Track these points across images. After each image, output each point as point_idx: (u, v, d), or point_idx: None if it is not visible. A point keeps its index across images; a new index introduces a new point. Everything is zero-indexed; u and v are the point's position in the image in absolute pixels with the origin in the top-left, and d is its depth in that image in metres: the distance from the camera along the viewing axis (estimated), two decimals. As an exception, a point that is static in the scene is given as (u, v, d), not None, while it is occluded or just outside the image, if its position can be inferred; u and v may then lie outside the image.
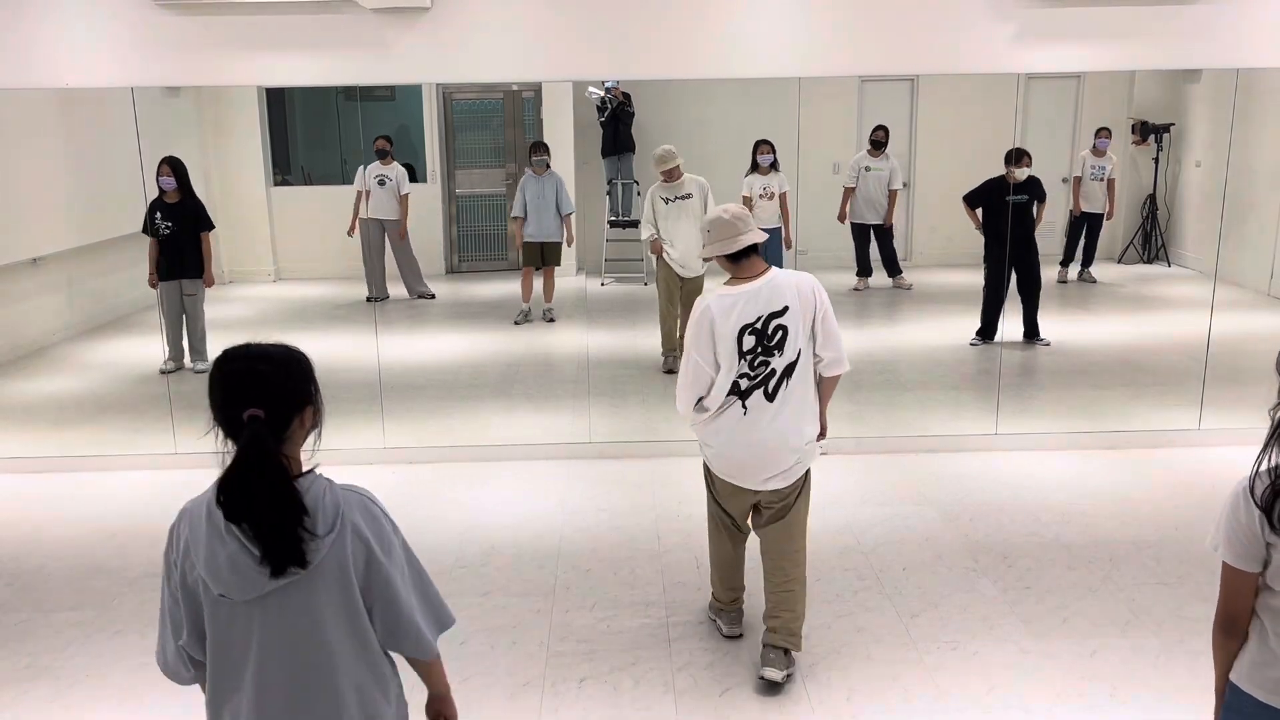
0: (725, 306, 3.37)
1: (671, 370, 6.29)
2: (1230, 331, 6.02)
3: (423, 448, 5.73)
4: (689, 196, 6.41)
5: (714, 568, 3.85)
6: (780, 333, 3.36)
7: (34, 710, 3.44)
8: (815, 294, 3.42)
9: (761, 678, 3.45)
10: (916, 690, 3.45)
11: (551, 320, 7.21)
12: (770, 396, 3.39)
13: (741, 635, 3.78)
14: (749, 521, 3.70)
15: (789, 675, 3.48)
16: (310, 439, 1.86)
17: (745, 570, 3.82)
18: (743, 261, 3.43)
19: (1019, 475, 5.33)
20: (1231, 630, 2.05)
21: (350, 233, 7.15)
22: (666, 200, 6.42)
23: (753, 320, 3.36)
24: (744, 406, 3.41)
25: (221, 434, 1.78)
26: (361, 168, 7.26)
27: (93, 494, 5.21)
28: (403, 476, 5.44)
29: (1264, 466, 1.91)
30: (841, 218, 7.48)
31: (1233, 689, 2.06)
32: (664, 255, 6.55)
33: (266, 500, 1.72)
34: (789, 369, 3.39)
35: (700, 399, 3.47)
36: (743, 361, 3.38)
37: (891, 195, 7.43)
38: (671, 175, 6.38)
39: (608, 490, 5.22)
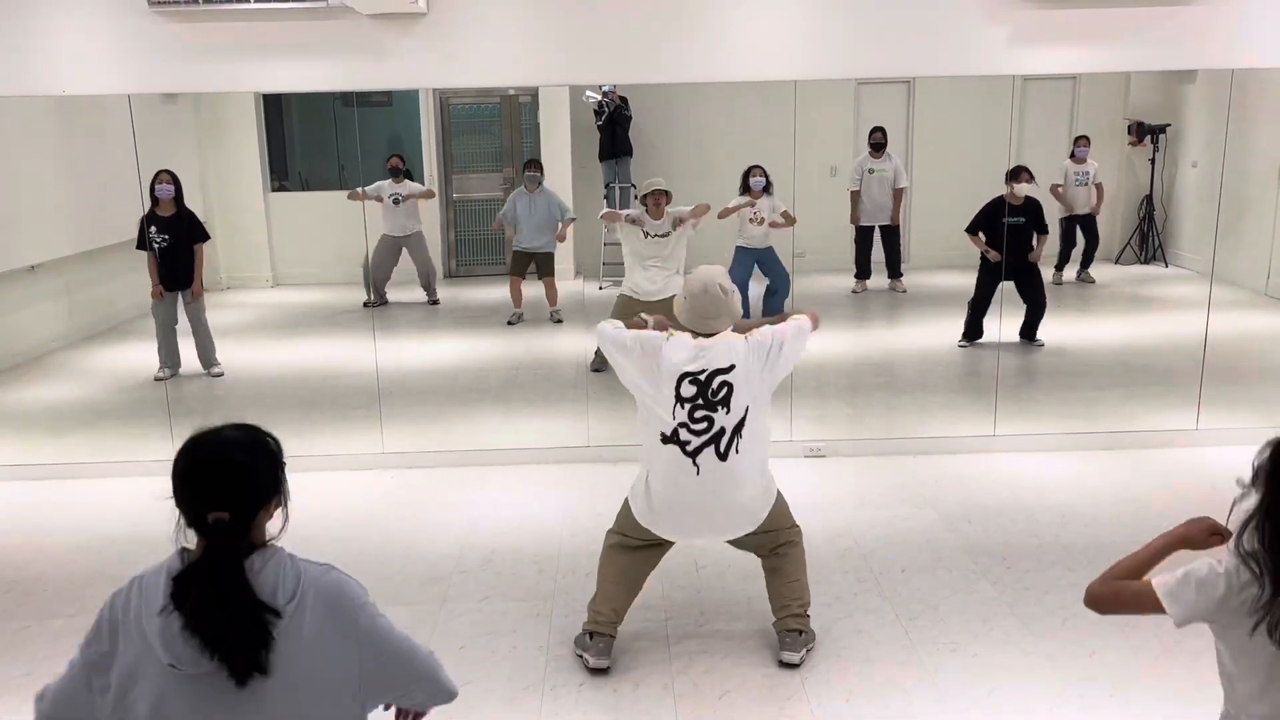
0: (678, 351, 3.40)
1: (599, 369, 6.12)
2: (1227, 331, 6.03)
3: (421, 452, 5.72)
4: (667, 235, 6.28)
5: (605, 583, 3.64)
6: (725, 389, 3.37)
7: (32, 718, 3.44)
8: (760, 344, 3.44)
9: (781, 661, 3.56)
10: (916, 692, 3.45)
11: (559, 321, 7.23)
12: (722, 456, 3.38)
13: (609, 669, 3.57)
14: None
15: (809, 650, 3.62)
16: (278, 522, 1.81)
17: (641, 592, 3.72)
18: None
19: (1017, 476, 5.33)
20: (1097, 609, 2.08)
21: (353, 197, 7.04)
22: (646, 233, 6.29)
23: (695, 371, 3.37)
24: (695, 465, 3.39)
25: (186, 524, 1.73)
26: (382, 183, 7.26)
27: (91, 501, 5.20)
28: (401, 481, 5.44)
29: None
30: (854, 220, 7.51)
31: None
32: (626, 291, 6.39)
33: (225, 620, 1.66)
34: (739, 427, 3.38)
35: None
36: (680, 409, 3.37)
37: (896, 194, 7.46)
38: (658, 207, 6.26)
39: (607, 494, 5.21)
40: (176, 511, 1.74)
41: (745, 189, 6.82)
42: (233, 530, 1.70)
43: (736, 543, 3.63)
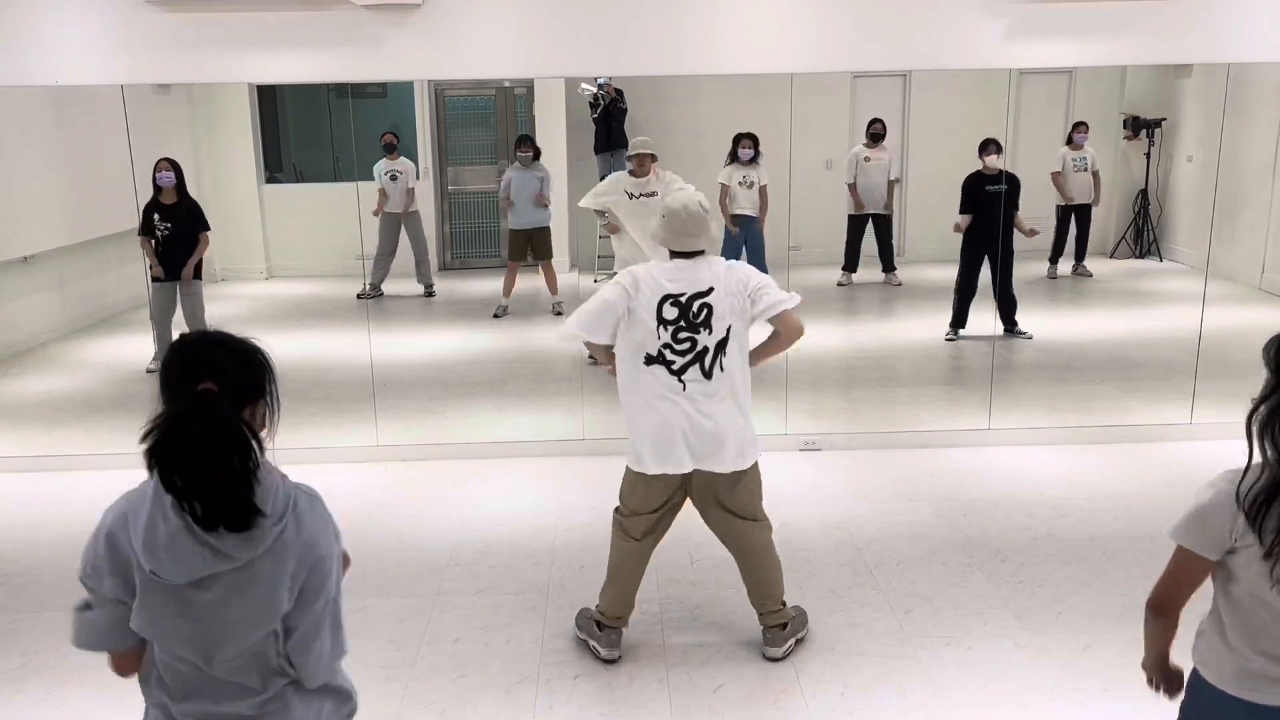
0: (654, 276, 3.42)
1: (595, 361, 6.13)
2: (1222, 326, 6.03)
3: (416, 445, 5.72)
4: (654, 194, 6.27)
5: (613, 581, 3.65)
6: (705, 310, 3.39)
7: (27, 710, 3.43)
8: (745, 273, 3.45)
9: (765, 656, 3.59)
10: (911, 685, 3.45)
11: (560, 313, 7.23)
12: (707, 374, 3.41)
13: (620, 658, 3.61)
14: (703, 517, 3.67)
15: (799, 640, 3.65)
16: (262, 435, 1.80)
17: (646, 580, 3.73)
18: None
19: (1012, 470, 5.34)
20: (1162, 610, 2.10)
21: (376, 213, 7.14)
22: (631, 195, 6.31)
23: (676, 293, 3.39)
24: (681, 383, 3.42)
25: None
26: (378, 164, 7.28)
27: (85, 493, 5.19)
28: (396, 474, 5.43)
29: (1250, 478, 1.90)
30: (858, 208, 7.51)
31: (1201, 683, 2.08)
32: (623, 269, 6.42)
33: (218, 448, 1.65)
34: (721, 346, 3.41)
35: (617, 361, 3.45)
36: (663, 330, 3.39)
37: (890, 185, 7.46)
38: (641, 166, 6.28)
39: (601, 487, 5.21)
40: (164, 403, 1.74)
41: (734, 157, 6.84)
42: (222, 401, 1.69)
43: (716, 523, 3.61)
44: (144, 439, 1.67)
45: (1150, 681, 2.23)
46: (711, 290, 3.40)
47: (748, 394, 3.55)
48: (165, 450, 1.66)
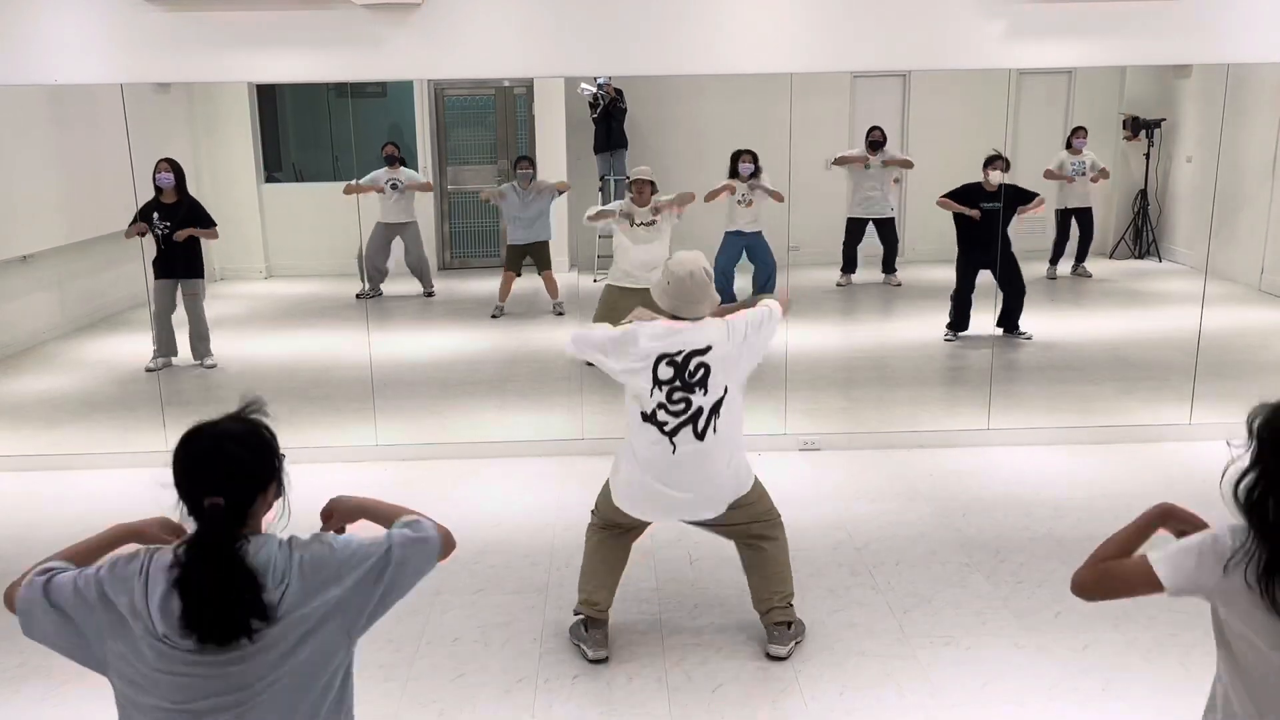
0: (654, 334, 3.43)
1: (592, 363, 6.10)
2: (1221, 326, 6.04)
3: (415, 445, 5.72)
4: (654, 223, 6.28)
5: (585, 566, 3.69)
6: (702, 370, 3.39)
7: (26, 709, 3.43)
8: (741, 324, 3.48)
9: (768, 654, 3.58)
10: (909, 685, 3.45)
11: (561, 314, 7.23)
12: (700, 435, 3.41)
13: (608, 659, 3.61)
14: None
15: (798, 642, 3.64)
16: (274, 510, 1.86)
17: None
18: None
19: (1011, 470, 5.34)
20: (1084, 595, 2.08)
21: (347, 191, 7.03)
22: (634, 221, 6.28)
23: (672, 352, 3.39)
24: (672, 444, 3.41)
25: (186, 511, 1.79)
26: (377, 172, 7.23)
27: (84, 492, 5.18)
28: (395, 474, 5.43)
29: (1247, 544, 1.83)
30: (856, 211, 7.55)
31: None
32: (613, 280, 6.39)
33: (214, 593, 1.71)
34: (716, 407, 3.41)
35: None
36: (658, 390, 3.39)
37: (892, 186, 7.47)
38: (641, 195, 6.27)
39: (600, 487, 5.21)
40: (180, 502, 1.80)
41: (734, 173, 6.82)
42: (228, 515, 1.75)
43: (718, 528, 3.63)
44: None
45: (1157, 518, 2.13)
46: (710, 349, 3.40)
47: (741, 441, 3.56)
48: (181, 589, 1.73)
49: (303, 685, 1.81)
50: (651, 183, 6.30)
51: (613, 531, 3.67)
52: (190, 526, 1.79)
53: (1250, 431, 1.86)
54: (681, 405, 3.40)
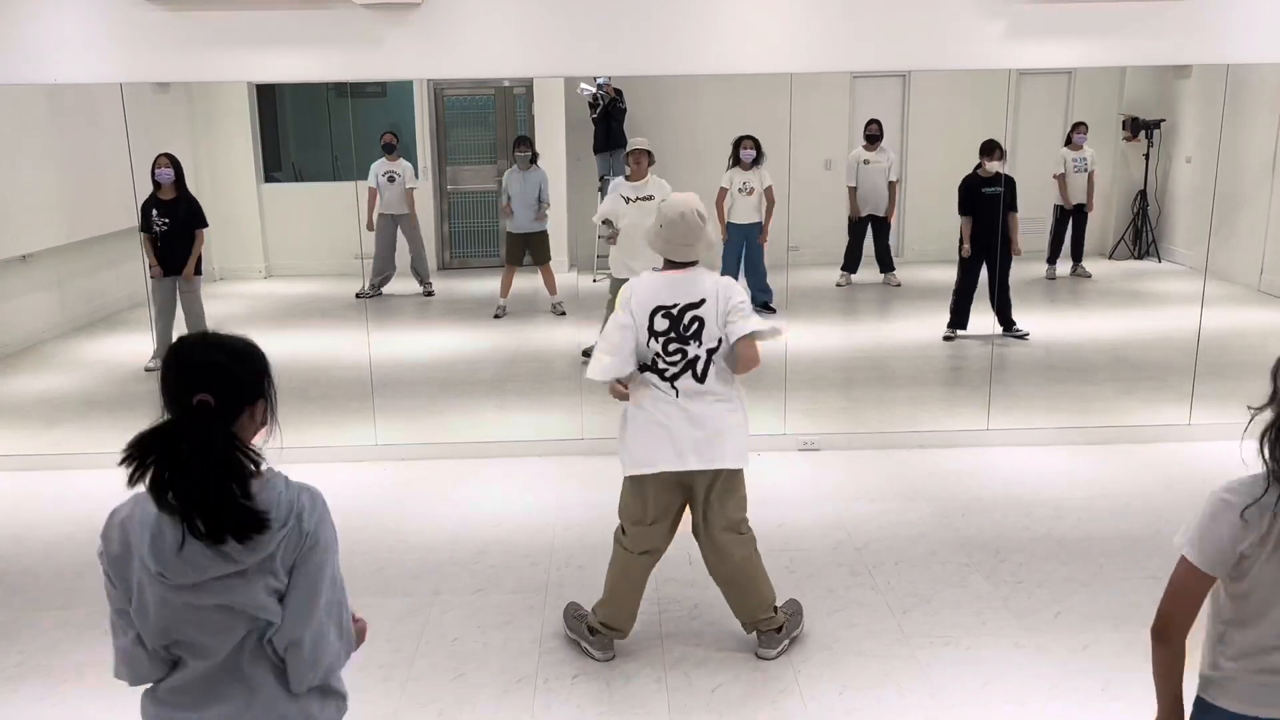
0: (647, 286, 3.44)
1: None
2: (1220, 327, 6.04)
3: (415, 444, 5.72)
4: (651, 198, 6.23)
5: (612, 594, 3.64)
6: (696, 323, 3.41)
7: (24, 708, 3.43)
8: (729, 291, 3.44)
9: (758, 655, 3.60)
10: (909, 685, 3.45)
11: (562, 314, 7.22)
12: (700, 378, 3.43)
13: (614, 657, 3.64)
14: (694, 534, 3.65)
15: (793, 639, 3.65)
16: (262, 435, 1.83)
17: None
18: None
19: (1011, 470, 5.34)
20: (1166, 635, 2.02)
21: (370, 227, 7.13)
22: (628, 199, 6.28)
23: (668, 304, 3.40)
24: (675, 389, 3.43)
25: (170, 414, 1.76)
26: (375, 164, 7.26)
27: (83, 492, 5.18)
28: (395, 474, 5.43)
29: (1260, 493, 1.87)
30: (855, 215, 7.51)
31: (1209, 708, 2.02)
32: (617, 274, 6.38)
33: (204, 469, 1.68)
34: (711, 354, 3.43)
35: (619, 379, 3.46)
36: (654, 341, 3.41)
37: (890, 187, 7.46)
38: (639, 166, 6.25)
39: (600, 487, 5.21)
40: (164, 408, 1.78)
41: (736, 160, 6.83)
42: (217, 412, 1.73)
43: (703, 543, 3.61)
44: (129, 457, 1.70)
45: None
46: (704, 302, 3.41)
47: (743, 395, 3.55)
48: (157, 470, 1.69)
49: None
50: (649, 152, 6.29)
51: (638, 550, 3.59)
52: None
53: (1274, 377, 1.90)
54: (677, 356, 3.42)
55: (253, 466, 1.75)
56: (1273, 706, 1.94)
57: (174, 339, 7.13)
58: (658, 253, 3.50)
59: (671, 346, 3.41)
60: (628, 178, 6.33)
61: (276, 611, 1.79)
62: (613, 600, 3.63)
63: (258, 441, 1.82)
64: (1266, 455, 1.87)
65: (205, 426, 1.71)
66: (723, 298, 3.42)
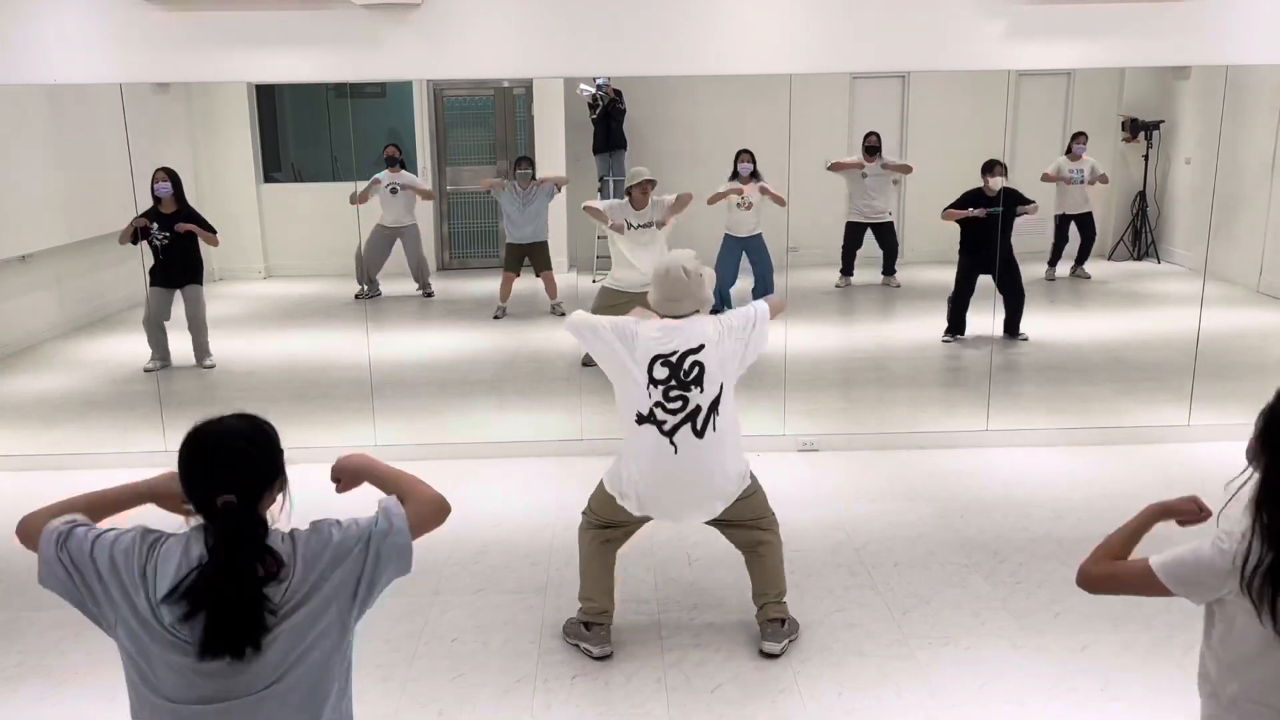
0: (649, 333, 3.46)
1: (590, 363, 6.10)
2: (1220, 328, 6.04)
3: (414, 445, 5.71)
4: (650, 225, 6.27)
5: (584, 575, 3.70)
6: (696, 369, 3.41)
7: (24, 708, 3.43)
8: (737, 321, 3.51)
9: (762, 651, 3.59)
10: (908, 686, 3.45)
11: (562, 314, 7.22)
12: (699, 433, 3.42)
13: (612, 653, 3.64)
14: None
15: (791, 640, 3.65)
16: (278, 505, 1.88)
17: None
18: None
19: (1010, 471, 5.34)
20: (1090, 584, 2.11)
21: (354, 201, 7.01)
22: (629, 224, 6.27)
23: (667, 352, 3.41)
24: (673, 445, 3.42)
25: (195, 510, 1.80)
26: (380, 175, 7.22)
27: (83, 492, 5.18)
28: (394, 474, 5.42)
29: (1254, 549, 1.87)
30: (853, 220, 7.54)
31: None
32: (609, 283, 6.41)
33: (228, 612, 1.72)
34: (714, 405, 3.42)
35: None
36: (654, 389, 3.41)
37: (891, 190, 7.47)
38: (640, 194, 6.25)
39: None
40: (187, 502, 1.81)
41: (735, 174, 6.83)
42: (241, 512, 1.76)
43: (723, 530, 3.65)
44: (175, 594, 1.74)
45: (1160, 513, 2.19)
46: (703, 348, 3.42)
47: (739, 440, 3.57)
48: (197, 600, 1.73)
49: (305, 684, 1.80)
50: (652, 181, 6.28)
51: (609, 532, 3.67)
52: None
53: (1258, 434, 1.90)
54: (679, 404, 3.41)
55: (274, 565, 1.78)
56: None
57: (167, 348, 7.04)
58: (652, 307, 3.54)
59: (672, 394, 3.41)
60: (633, 205, 6.31)
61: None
62: (587, 583, 3.68)
63: (275, 511, 1.87)
64: (1265, 519, 1.86)
65: (235, 530, 1.75)
66: (726, 336, 3.47)
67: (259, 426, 1.87)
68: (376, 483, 2.09)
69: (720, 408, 3.44)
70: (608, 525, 3.66)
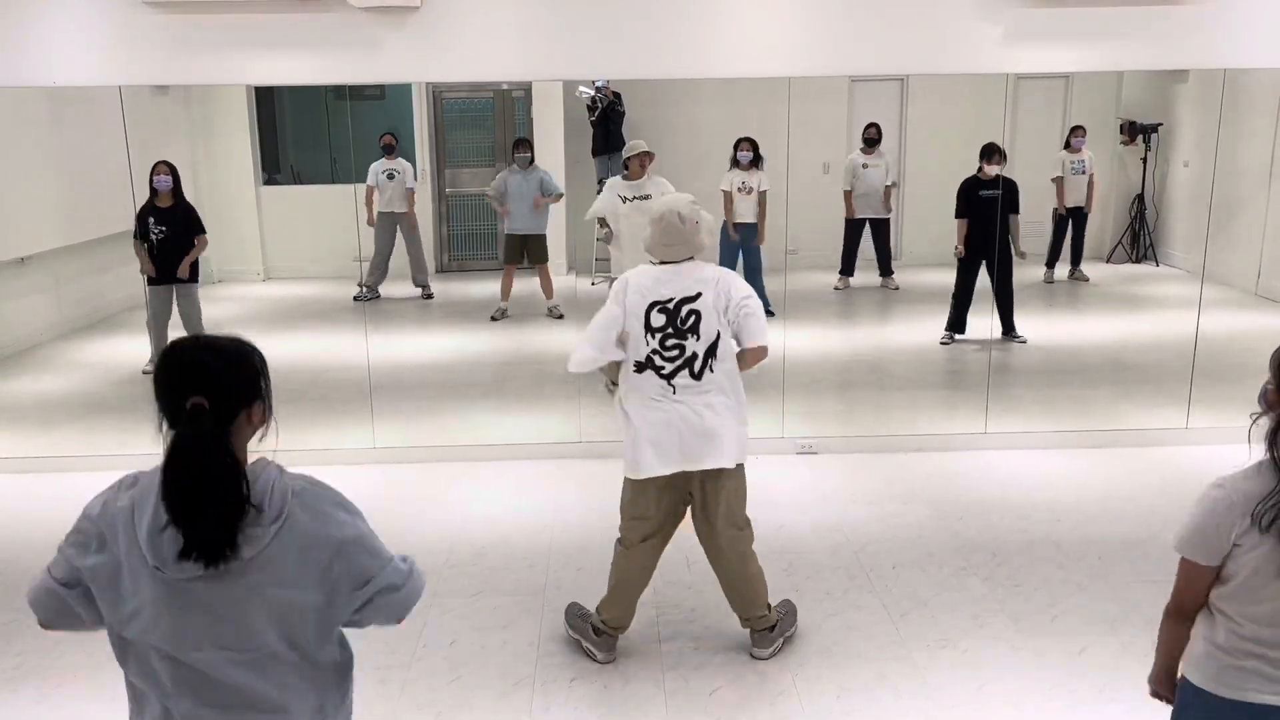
0: (643, 280, 3.44)
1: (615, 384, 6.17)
2: (1218, 330, 6.05)
3: (413, 447, 5.72)
4: (649, 198, 6.19)
5: (616, 590, 3.64)
6: (693, 317, 3.40)
7: (23, 710, 3.43)
8: (730, 286, 3.44)
9: (753, 656, 3.61)
10: (906, 688, 3.45)
11: (560, 317, 7.22)
12: (697, 376, 3.43)
13: (615, 660, 3.66)
14: (693, 530, 3.66)
15: (786, 639, 3.67)
16: (258, 436, 1.81)
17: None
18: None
19: (1008, 474, 5.34)
20: (1182, 616, 2.14)
21: (370, 223, 7.12)
22: (625, 198, 6.28)
23: (664, 299, 3.41)
24: (671, 386, 3.43)
25: (166, 425, 1.74)
26: (375, 164, 7.27)
27: (81, 494, 5.14)
28: (393, 476, 5.43)
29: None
30: (850, 215, 7.52)
31: (1191, 689, 2.10)
32: (617, 280, 6.44)
33: (205, 486, 1.65)
34: (711, 351, 3.42)
35: (611, 379, 3.45)
36: (651, 338, 3.41)
37: (885, 191, 7.48)
38: (638, 166, 6.24)
39: (598, 490, 5.21)
40: (160, 415, 1.76)
41: (735, 162, 6.84)
42: (213, 416, 1.69)
43: (703, 536, 3.61)
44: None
45: (1155, 694, 2.25)
46: (700, 296, 3.41)
47: (741, 393, 3.54)
48: (166, 491, 1.68)
49: (294, 638, 1.76)
50: (650, 153, 6.27)
51: (639, 539, 3.59)
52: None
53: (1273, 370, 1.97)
54: (675, 351, 3.42)
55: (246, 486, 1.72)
56: (1253, 692, 2.02)
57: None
58: (649, 253, 3.53)
59: (669, 342, 3.41)
60: (626, 177, 6.32)
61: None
62: (617, 598, 3.64)
63: (254, 443, 1.80)
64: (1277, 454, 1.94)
65: (203, 434, 1.68)
66: (723, 292, 3.42)
67: (240, 345, 1.81)
68: None
69: (718, 351, 3.43)
70: (645, 535, 3.58)
